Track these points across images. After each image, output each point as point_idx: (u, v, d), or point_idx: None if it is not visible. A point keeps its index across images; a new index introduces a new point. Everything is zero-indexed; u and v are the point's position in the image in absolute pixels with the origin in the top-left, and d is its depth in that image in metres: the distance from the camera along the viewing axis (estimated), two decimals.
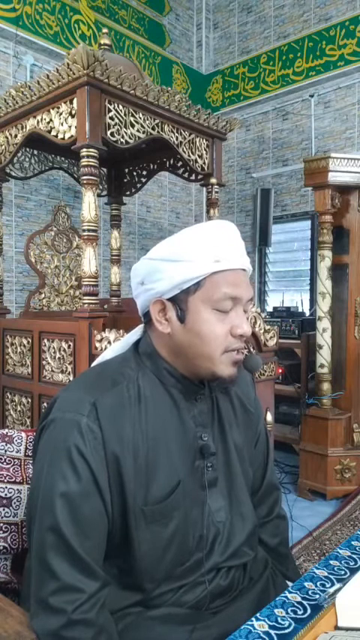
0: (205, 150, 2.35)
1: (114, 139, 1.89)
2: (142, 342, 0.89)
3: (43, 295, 2.72)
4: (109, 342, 1.81)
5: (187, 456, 0.84)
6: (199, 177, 2.50)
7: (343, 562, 0.80)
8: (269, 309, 4.32)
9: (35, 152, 2.68)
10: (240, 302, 0.81)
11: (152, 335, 0.87)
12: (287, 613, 0.66)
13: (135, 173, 2.99)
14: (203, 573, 0.83)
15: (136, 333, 0.92)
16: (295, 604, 0.68)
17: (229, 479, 0.90)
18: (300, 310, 4.04)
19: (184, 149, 2.24)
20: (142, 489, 0.77)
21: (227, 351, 0.81)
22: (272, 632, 0.63)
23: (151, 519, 0.78)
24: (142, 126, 2.00)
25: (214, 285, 0.79)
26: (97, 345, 1.86)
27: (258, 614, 0.66)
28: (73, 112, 1.85)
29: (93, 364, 0.96)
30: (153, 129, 2.06)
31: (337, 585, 0.72)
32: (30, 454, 1.10)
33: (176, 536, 0.80)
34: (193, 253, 0.79)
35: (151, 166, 2.88)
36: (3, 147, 2.26)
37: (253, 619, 0.65)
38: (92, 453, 0.74)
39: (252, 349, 2.05)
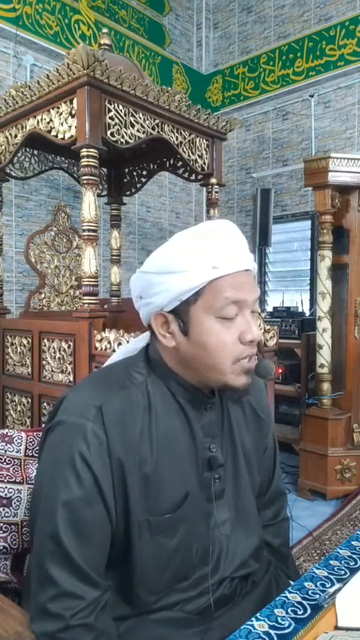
0: (205, 150, 2.35)
1: (114, 139, 1.89)
2: (150, 348, 0.85)
3: (43, 295, 2.72)
4: (109, 342, 1.81)
5: (195, 467, 0.82)
6: (199, 177, 2.50)
7: (343, 562, 0.80)
8: (269, 309, 4.32)
9: (35, 152, 2.68)
10: (245, 305, 0.76)
11: (158, 346, 0.83)
12: (287, 613, 0.66)
13: (135, 173, 2.99)
14: (207, 587, 0.81)
15: (143, 339, 0.89)
16: (295, 604, 0.68)
17: (236, 490, 0.88)
18: (300, 310, 4.04)
19: (184, 149, 2.24)
20: (148, 499, 0.75)
21: (238, 360, 0.76)
22: (272, 632, 0.62)
23: (157, 530, 0.76)
24: (142, 126, 2.00)
25: (214, 292, 0.74)
26: (97, 345, 1.86)
27: (258, 614, 0.66)
28: (73, 112, 1.85)
29: (104, 365, 0.93)
30: (153, 129, 2.06)
31: (337, 585, 0.72)
32: (30, 454, 1.09)
33: (180, 548, 0.79)
34: (188, 263, 0.74)
35: (151, 166, 2.88)
36: (3, 147, 2.26)
37: (253, 619, 0.65)
38: (96, 459, 0.72)
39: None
